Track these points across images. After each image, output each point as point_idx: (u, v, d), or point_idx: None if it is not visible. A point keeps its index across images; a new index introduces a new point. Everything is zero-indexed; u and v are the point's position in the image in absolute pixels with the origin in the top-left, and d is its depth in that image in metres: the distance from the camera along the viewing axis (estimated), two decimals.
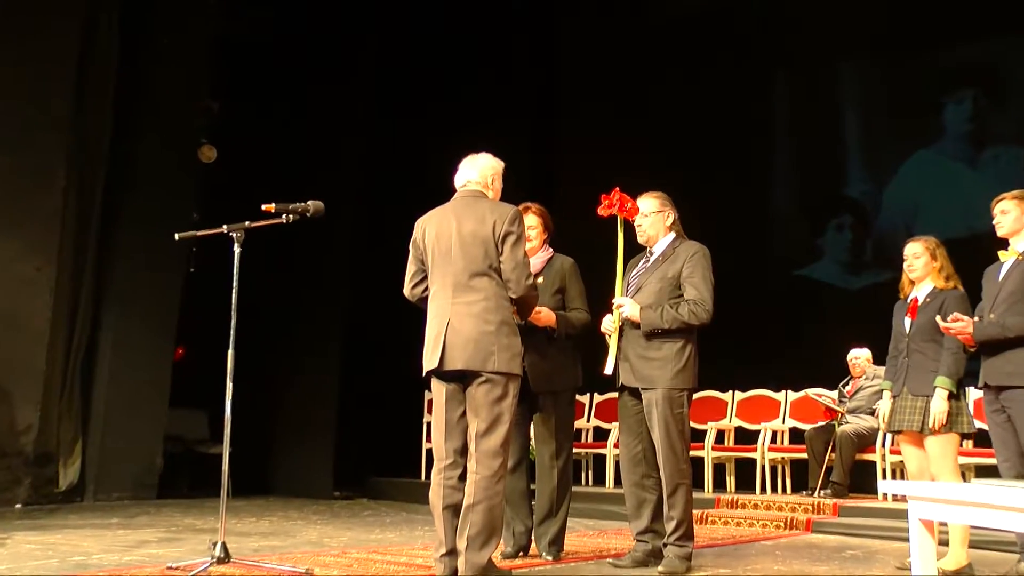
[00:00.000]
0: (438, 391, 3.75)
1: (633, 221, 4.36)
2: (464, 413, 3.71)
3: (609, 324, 4.33)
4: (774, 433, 7.78)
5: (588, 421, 8.78)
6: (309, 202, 4.06)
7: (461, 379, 3.71)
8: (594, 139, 9.57)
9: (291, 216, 4.04)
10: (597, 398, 8.79)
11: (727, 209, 8.70)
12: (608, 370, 4.19)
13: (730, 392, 8.25)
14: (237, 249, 4.05)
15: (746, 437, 7.96)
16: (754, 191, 9.10)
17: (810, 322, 8.41)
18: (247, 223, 4.07)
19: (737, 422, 8.09)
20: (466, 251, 3.74)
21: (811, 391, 7.76)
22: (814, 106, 8.99)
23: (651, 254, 4.44)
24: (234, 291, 4.01)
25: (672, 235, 4.44)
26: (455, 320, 3.69)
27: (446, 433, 3.71)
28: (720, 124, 9.03)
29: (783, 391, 8.03)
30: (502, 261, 3.73)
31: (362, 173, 9.28)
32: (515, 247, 3.73)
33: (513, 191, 4.14)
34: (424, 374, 3.79)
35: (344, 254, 9.21)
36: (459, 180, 3.96)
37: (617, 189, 4.29)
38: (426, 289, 3.92)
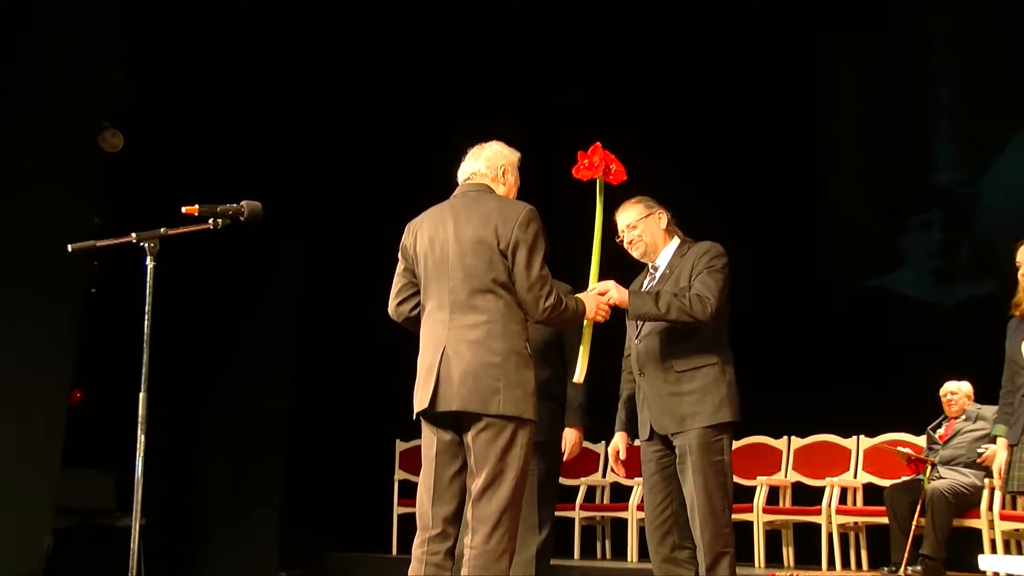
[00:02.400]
0: (428, 439, 3.81)
1: (614, 183, 4.38)
2: (461, 469, 3.77)
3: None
4: (843, 491, 7.79)
5: (604, 476, 8.84)
6: (244, 203, 4.07)
7: (458, 425, 3.76)
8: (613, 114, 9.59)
9: (221, 221, 4.05)
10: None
11: (778, 205, 8.76)
12: (578, 378, 4.24)
13: (785, 439, 8.28)
14: (150, 263, 4.02)
15: (807, 496, 7.99)
16: (813, 182, 9.12)
17: (889, 347, 8.43)
18: (163, 230, 4.05)
19: (795, 477, 8.11)
20: (465, 261, 3.80)
21: (892, 437, 7.79)
22: (889, 71, 9.02)
23: (655, 269, 4.54)
24: (147, 317, 3.99)
25: (675, 240, 4.55)
26: (452, 348, 3.74)
27: (435, 494, 3.76)
28: (766, 98, 9.05)
29: (854, 437, 8.05)
30: (515, 278, 3.78)
31: (318, 168, 9.39)
32: (531, 259, 3.78)
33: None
34: (414, 416, 3.84)
35: (294, 269, 9.30)
36: (461, 172, 4.05)
37: (598, 145, 4.33)
38: (416, 307, 3.97)
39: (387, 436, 9.19)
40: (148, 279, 3.99)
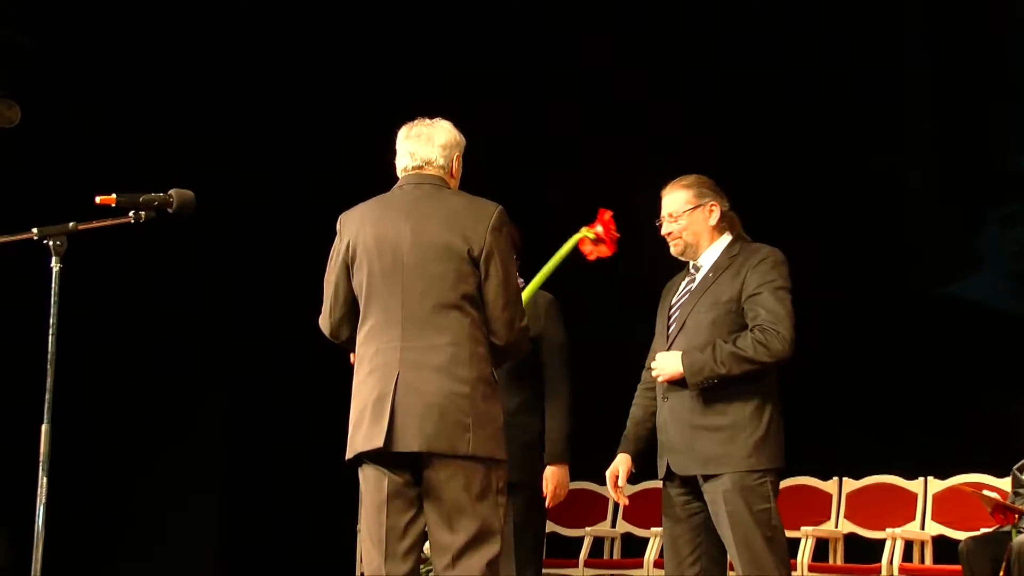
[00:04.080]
0: (375, 483, 3.81)
1: (605, 256, 4.60)
2: (415, 518, 3.80)
3: None
4: (908, 544, 7.75)
5: (613, 526, 8.82)
6: (172, 192, 4.05)
7: (413, 466, 3.78)
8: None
9: (144, 213, 4.02)
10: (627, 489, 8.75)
11: (826, 198, 8.72)
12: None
13: (835, 480, 8.26)
14: (56, 265, 3.97)
15: (863, 551, 7.97)
16: (870, 168, 9.03)
17: (963, 369, 8.36)
18: (72, 225, 4.00)
19: (848, 527, 8.08)
20: (427, 270, 3.82)
21: (969, 478, 7.73)
22: (965, 33, 8.95)
23: (695, 270, 4.50)
24: (51, 332, 3.94)
25: (725, 238, 4.51)
26: (409, 375, 3.76)
27: (388, 549, 3.77)
28: (813, 69, 9.01)
29: (921, 479, 8.01)
30: (486, 292, 3.83)
31: (267, 152, 9.39)
32: (506, 271, 3.85)
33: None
34: (349, 458, 3.86)
35: (233, 269, 9.32)
36: (407, 159, 4.04)
37: (610, 219, 4.62)
38: (355, 328, 3.95)
39: (343, 472, 9.12)
40: (53, 284, 3.94)
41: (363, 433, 3.79)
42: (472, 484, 3.72)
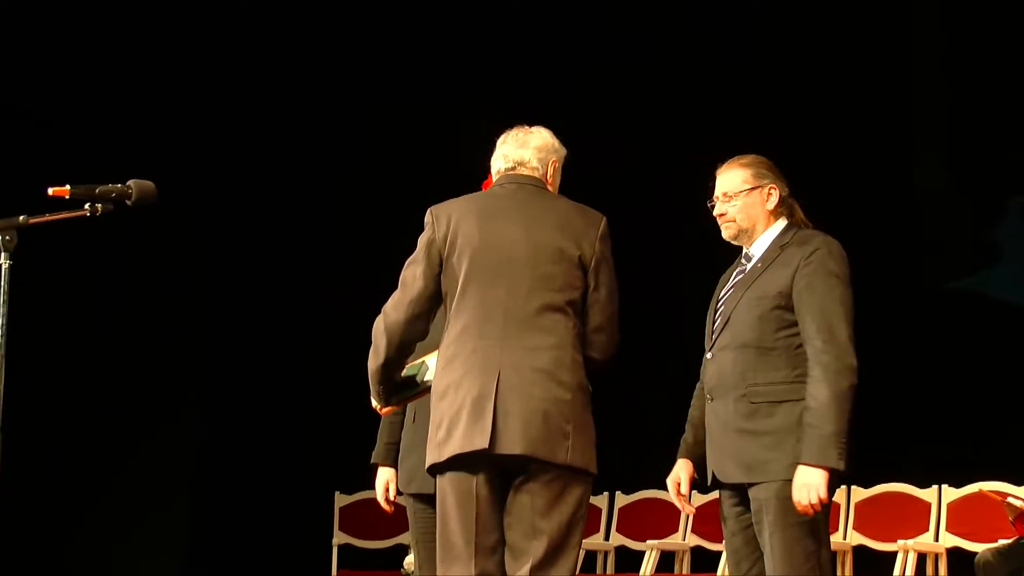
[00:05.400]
0: (463, 488, 3.90)
1: None
2: (499, 522, 3.93)
3: None
4: (921, 557, 7.76)
5: (607, 539, 8.87)
6: (131, 183, 4.00)
7: (505, 471, 3.90)
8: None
9: (101, 206, 3.97)
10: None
11: (836, 186, 8.69)
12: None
13: (843, 489, 8.21)
14: (5, 262, 3.93)
15: (872, 563, 8.03)
16: (881, 157, 9.07)
17: (980, 368, 8.41)
18: (22, 218, 3.94)
19: (857, 539, 8.13)
20: (538, 270, 3.93)
21: (986, 486, 7.71)
22: (975, 20, 8.98)
23: (747, 260, 4.40)
24: (0, 333, 3.86)
25: (779, 224, 4.39)
26: (511, 376, 3.86)
27: (478, 544, 3.88)
28: (824, 62, 9.06)
29: (935, 487, 8.02)
30: (594, 301, 3.97)
31: (252, 146, 9.43)
32: (614, 282, 4.00)
33: None
34: (435, 464, 3.92)
35: (206, 269, 9.32)
36: (503, 161, 4.16)
37: None
38: (428, 328, 4.03)
39: (322, 487, 9.22)
40: (3, 282, 3.90)
41: (460, 434, 3.86)
42: (564, 494, 3.86)
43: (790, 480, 4.07)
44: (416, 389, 4.23)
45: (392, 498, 4.85)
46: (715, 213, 4.40)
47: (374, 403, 4.33)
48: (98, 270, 9.01)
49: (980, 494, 7.71)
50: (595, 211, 4.06)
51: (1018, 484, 7.59)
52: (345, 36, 9.55)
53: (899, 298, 8.85)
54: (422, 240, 4.05)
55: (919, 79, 9.34)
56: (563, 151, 4.20)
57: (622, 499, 8.99)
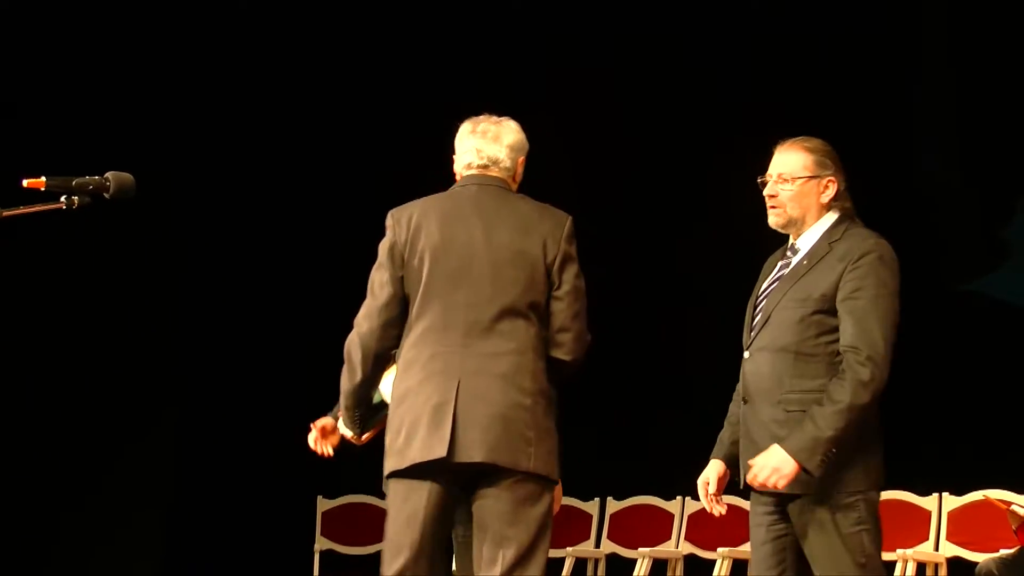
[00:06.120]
0: (416, 496, 3.94)
1: None
2: (447, 532, 4.09)
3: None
4: (920, 567, 7.77)
5: (597, 546, 8.83)
6: (109, 175, 3.98)
7: (464, 480, 3.96)
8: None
9: (78, 199, 3.94)
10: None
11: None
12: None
13: None
14: None
15: None
16: (887, 152, 9.01)
17: (984, 373, 8.39)
18: None
19: None
20: (500, 274, 3.97)
21: (991, 493, 7.67)
22: (985, 16, 8.93)
23: (792, 253, 4.31)
24: None
25: (830, 217, 4.29)
26: (471, 382, 3.91)
27: (419, 550, 3.93)
28: (832, 58, 9.04)
29: (935, 495, 8.02)
30: (557, 300, 3.99)
31: (240, 138, 9.40)
32: (577, 281, 4.02)
33: None
34: (395, 471, 3.96)
35: (186, 266, 9.30)
36: (470, 157, 4.16)
37: None
38: (401, 334, 4.03)
39: (304, 491, 9.20)
40: None
41: (420, 442, 3.90)
42: (529, 501, 3.90)
43: (829, 495, 4.03)
44: (384, 411, 4.26)
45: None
46: (765, 193, 4.28)
47: (348, 434, 4.38)
48: (77, 266, 8.97)
49: (984, 502, 7.70)
50: (560, 211, 4.09)
51: (1020, 492, 7.52)
52: (336, 30, 9.57)
53: (904, 300, 8.82)
54: (383, 245, 4.08)
55: (927, 75, 9.33)
56: (528, 147, 4.21)
57: (613, 505, 8.95)
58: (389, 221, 4.10)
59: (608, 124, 9.21)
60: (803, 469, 3.98)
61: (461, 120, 4.34)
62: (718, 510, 4.46)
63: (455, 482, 3.95)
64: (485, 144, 4.12)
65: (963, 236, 9.01)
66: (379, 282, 4.04)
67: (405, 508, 3.96)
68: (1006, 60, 8.88)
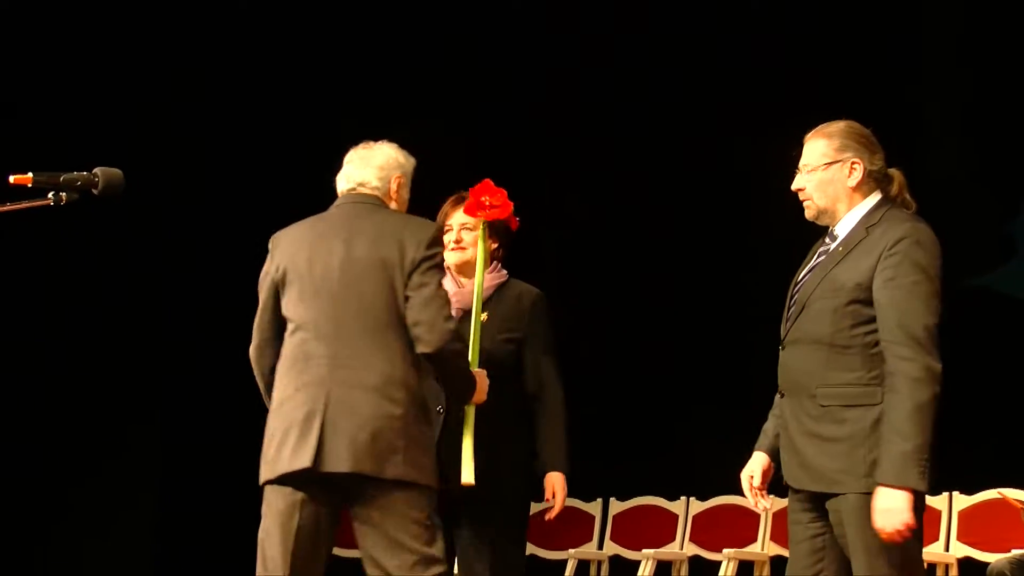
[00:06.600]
0: (284, 507, 4.11)
1: (507, 222, 4.70)
2: (323, 545, 4.17)
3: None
4: (931, 567, 7.74)
5: (600, 548, 8.81)
6: (97, 170, 3.99)
7: (338, 490, 4.09)
8: None
9: (66, 195, 3.96)
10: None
11: None
12: (466, 478, 4.46)
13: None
14: None
15: None
16: (893, 148, 8.95)
17: (993, 370, 8.37)
18: None
19: None
20: (361, 287, 4.13)
21: (1006, 492, 7.60)
22: (994, 8, 8.94)
23: (831, 239, 4.23)
24: None
25: (870, 201, 4.21)
26: (340, 393, 4.06)
27: (293, 563, 4.08)
28: (840, 54, 9.01)
29: (945, 494, 8.01)
30: (408, 300, 4.11)
31: (225, 133, 9.41)
32: (426, 279, 4.13)
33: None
34: (267, 480, 4.14)
35: (173, 264, 9.34)
36: (345, 179, 4.40)
37: (488, 182, 4.66)
38: (278, 357, 4.27)
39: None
40: None
41: (288, 452, 4.06)
42: (404, 507, 4.03)
43: (867, 493, 3.94)
44: None
45: None
46: (793, 188, 4.24)
47: None
48: (65, 262, 9.01)
49: (999, 500, 7.67)
50: (426, 220, 4.31)
51: None
52: (335, 30, 9.63)
53: None
54: (263, 270, 4.34)
55: (932, 68, 9.32)
56: (409, 164, 4.43)
57: (616, 506, 8.95)
58: (269, 246, 4.39)
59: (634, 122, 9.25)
60: (912, 491, 3.89)
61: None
62: (763, 504, 4.39)
63: (332, 492, 4.09)
64: (354, 169, 4.36)
65: (970, 231, 8.99)
66: (261, 303, 4.31)
67: (277, 517, 4.12)
68: (1015, 55, 8.85)
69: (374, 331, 4.09)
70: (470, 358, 4.44)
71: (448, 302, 4.17)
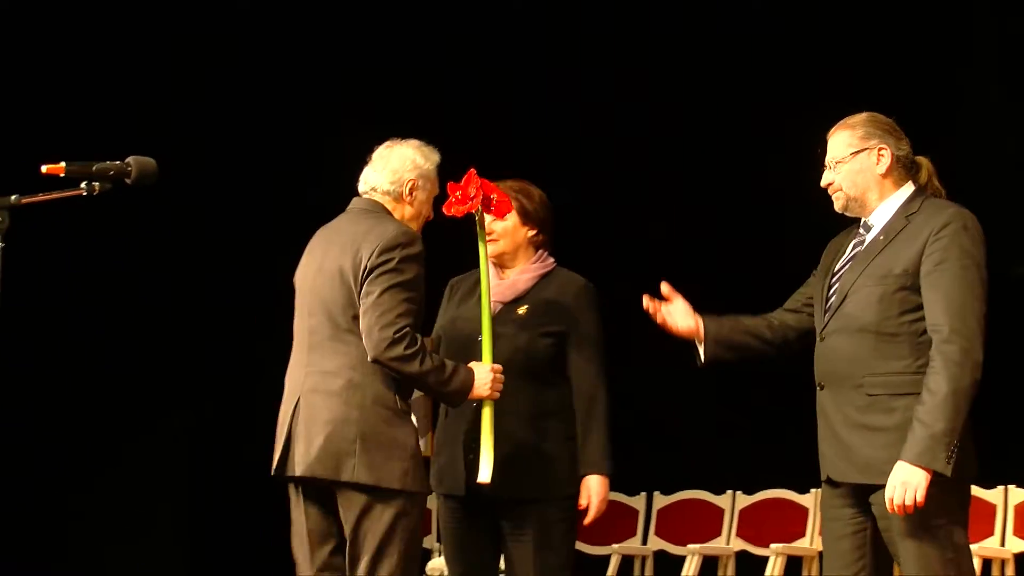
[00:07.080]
0: (297, 511, 4.36)
1: (502, 218, 4.59)
2: (335, 551, 4.31)
3: None
4: (986, 563, 7.80)
5: (644, 543, 8.87)
6: (131, 159, 4.01)
7: (325, 495, 4.27)
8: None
9: (99, 185, 3.97)
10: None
11: None
12: (483, 477, 4.41)
13: (1001, 489, 8.20)
14: None
15: None
16: (931, 138, 8.95)
17: None
18: (14, 197, 3.94)
19: None
20: (324, 295, 4.30)
21: None
22: None
23: (866, 230, 4.23)
24: None
25: (905, 190, 4.21)
26: (308, 399, 4.25)
27: (313, 556, 4.32)
28: (878, 41, 9.01)
29: (1000, 488, 8.04)
30: (362, 307, 4.19)
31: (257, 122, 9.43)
32: (374, 284, 4.17)
33: None
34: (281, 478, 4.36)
35: (207, 255, 9.35)
36: (361, 182, 4.47)
37: (473, 172, 4.48)
38: None
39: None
40: None
41: (276, 455, 4.31)
42: (359, 511, 4.16)
43: None
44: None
45: None
46: (822, 183, 4.23)
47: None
48: (96, 253, 9.06)
49: None
50: (394, 226, 4.25)
51: None
52: (337, 30, 9.67)
53: None
54: None
55: (981, 52, 9.31)
56: (429, 163, 4.44)
57: (661, 500, 9.01)
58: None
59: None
60: (934, 473, 3.86)
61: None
62: (652, 307, 4.52)
63: (318, 496, 4.28)
64: (370, 171, 4.43)
65: (1017, 219, 8.97)
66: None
67: (293, 518, 4.37)
68: None
69: (338, 338, 4.23)
70: (484, 353, 4.40)
71: (395, 307, 4.16)
